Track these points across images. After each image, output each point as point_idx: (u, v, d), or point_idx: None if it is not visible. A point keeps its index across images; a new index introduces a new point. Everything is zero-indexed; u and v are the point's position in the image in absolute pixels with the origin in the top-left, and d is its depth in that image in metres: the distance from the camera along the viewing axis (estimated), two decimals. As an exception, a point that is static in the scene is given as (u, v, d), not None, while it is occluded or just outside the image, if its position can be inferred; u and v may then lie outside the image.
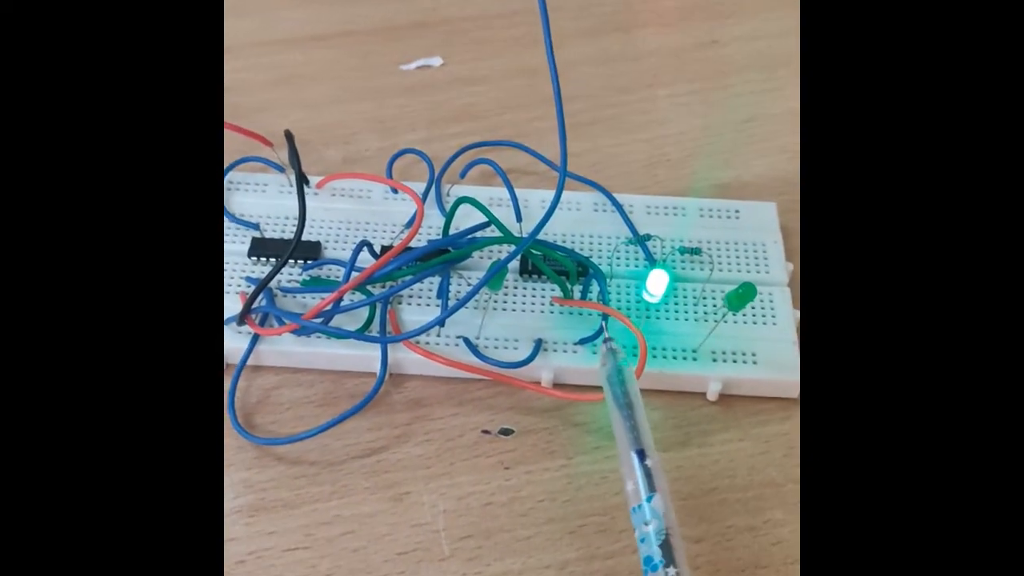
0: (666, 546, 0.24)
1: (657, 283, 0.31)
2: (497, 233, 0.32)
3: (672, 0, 0.48)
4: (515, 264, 0.34)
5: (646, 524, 0.25)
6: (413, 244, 0.34)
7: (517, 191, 0.36)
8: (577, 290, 0.33)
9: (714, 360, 0.31)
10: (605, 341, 0.30)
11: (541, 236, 0.35)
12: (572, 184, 0.38)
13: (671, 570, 0.24)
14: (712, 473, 0.30)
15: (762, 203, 0.36)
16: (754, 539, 0.28)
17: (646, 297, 0.31)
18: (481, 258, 0.34)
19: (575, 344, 0.32)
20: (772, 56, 0.44)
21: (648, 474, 0.25)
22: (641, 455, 0.26)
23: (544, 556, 0.28)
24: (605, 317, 0.31)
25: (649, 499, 0.25)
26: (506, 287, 0.33)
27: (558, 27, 0.46)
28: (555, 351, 0.32)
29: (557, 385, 0.32)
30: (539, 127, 0.41)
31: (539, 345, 0.31)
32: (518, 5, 0.47)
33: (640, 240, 0.34)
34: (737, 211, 0.36)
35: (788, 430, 0.31)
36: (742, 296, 0.29)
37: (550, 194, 0.36)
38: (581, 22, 0.46)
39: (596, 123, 0.41)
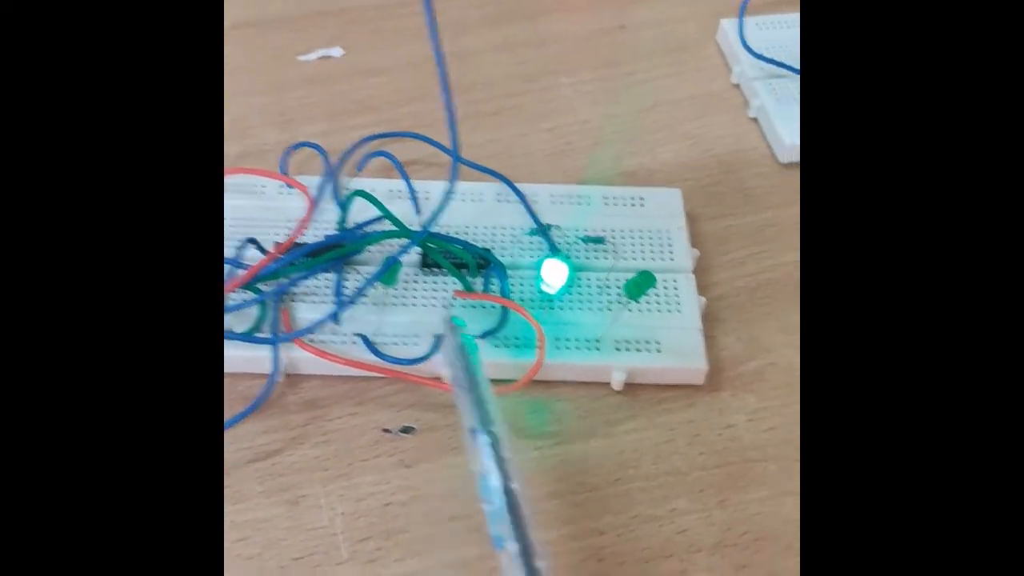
0: (509, 522, 0.23)
1: (553, 274, 0.30)
2: (392, 227, 0.32)
3: (578, -13, 0.47)
4: (416, 258, 0.33)
5: (488, 503, 0.24)
6: (311, 240, 0.33)
7: (419, 183, 0.36)
8: (480, 283, 0.32)
9: (618, 349, 0.31)
10: (448, 322, 0.28)
11: (443, 229, 0.34)
12: (475, 175, 0.37)
13: (514, 545, 0.23)
14: (617, 463, 0.30)
15: (667, 189, 0.36)
16: (659, 528, 0.28)
17: (544, 288, 0.31)
18: (379, 253, 0.33)
19: (477, 338, 0.31)
20: (677, 40, 0.44)
21: (484, 451, 0.24)
22: (474, 432, 0.25)
23: (445, 554, 0.27)
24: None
25: (486, 477, 0.24)
26: (406, 282, 0.32)
27: (463, 15, 0.46)
28: (456, 345, 0.31)
29: (460, 380, 0.31)
30: (443, 117, 0.39)
31: (439, 340, 0.31)
32: (414, -6, 0.46)
33: (542, 230, 0.34)
34: (642, 198, 0.36)
35: (693, 417, 0.31)
36: (640, 284, 0.29)
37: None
38: (486, 9, 0.45)
39: (500, 112, 0.41)
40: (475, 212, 0.35)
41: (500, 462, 0.24)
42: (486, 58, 0.43)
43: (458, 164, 0.35)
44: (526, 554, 0.22)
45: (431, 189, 0.36)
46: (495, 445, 0.24)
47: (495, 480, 0.23)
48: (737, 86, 0.42)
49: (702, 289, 0.34)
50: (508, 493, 0.23)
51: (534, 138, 0.40)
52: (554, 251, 0.33)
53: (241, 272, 0.30)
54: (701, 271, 0.34)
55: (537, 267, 0.31)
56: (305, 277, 0.31)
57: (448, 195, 0.29)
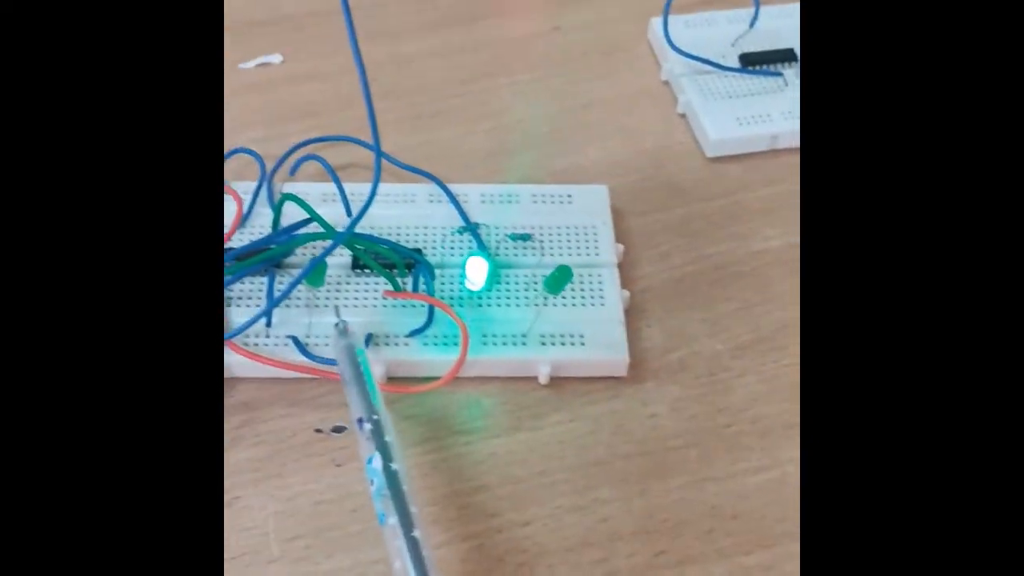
0: (389, 498, 0.26)
1: (476, 271, 0.31)
2: (320, 229, 0.32)
3: (516, -11, 0.48)
4: (348, 260, 0.34)
5: (372, 484, 0.26)
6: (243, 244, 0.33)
7: (354, 185, 0.36)
8: (410, 282, 0.33)
9: (543, 344, 0.32)
10: (337, 324, 0.31)
11: (374, 229, 0.35)
12: (408, 176, 0.38)
13: (392, 519, 0.25)
14: (542, 456, 0.31)
15: (593, 186, 0.37)
16: (582, 518, 0.29)
17: (468, 285, 0.32)
18: (310, 255, 0.34)
19: (406, 337, 0.32)
20: (610, 41, 0.45)
21: (368, 437, 0.27)
22: (360, 422, 0.27)
23: (374, 551, 0.28)
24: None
25: (370, 460, 0.26)
26: (337, 283, 0.33)
27: (400, 21, 0.47)
28: (387, 345, 0.32)
29: (391, 379, 0.32)
30: (379, 120, 0.40)
31: (368, 339, 0.31)
32: (355, 1, 0.46)
33: (470, 229, 0.35)
34: (570, 195, 0.37)
35: (616, 409, 0.32)
36: (558, 279, 0.30)
37: (383, 187, 0.36)
38: (423, 15, 0.46)
39: (437, 115, 0.41)
40: (406, 212, 0.36)
41: (383, 446, 0.27)
42: (425, 63, 0.44)
43: (383, 164, 0.36)
44: (405, 525, 0.25)
45: (364, 191, 0.36)
46: (377, 431, 0.27)
47: (377, 462, 0.26)
48: (667, 83, 0.42)
49: (628, 283, 0.35)
50: (388, 472, 0.26)
51: (470, 139, 0.40)
52: (481, 249, 0.34)
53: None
54: (628, 265, 0.35)
55: (462, 265, 0.32)
56: (235, 280, 0.31)
57: (371, 195, 0.30)
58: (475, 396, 0.32)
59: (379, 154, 0.29)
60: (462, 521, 0.29)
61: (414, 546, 0.25)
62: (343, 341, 0.30)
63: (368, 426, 0.27)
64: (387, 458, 0.26)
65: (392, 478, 0.26)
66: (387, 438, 0.27)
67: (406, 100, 0.42)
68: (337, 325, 0.30)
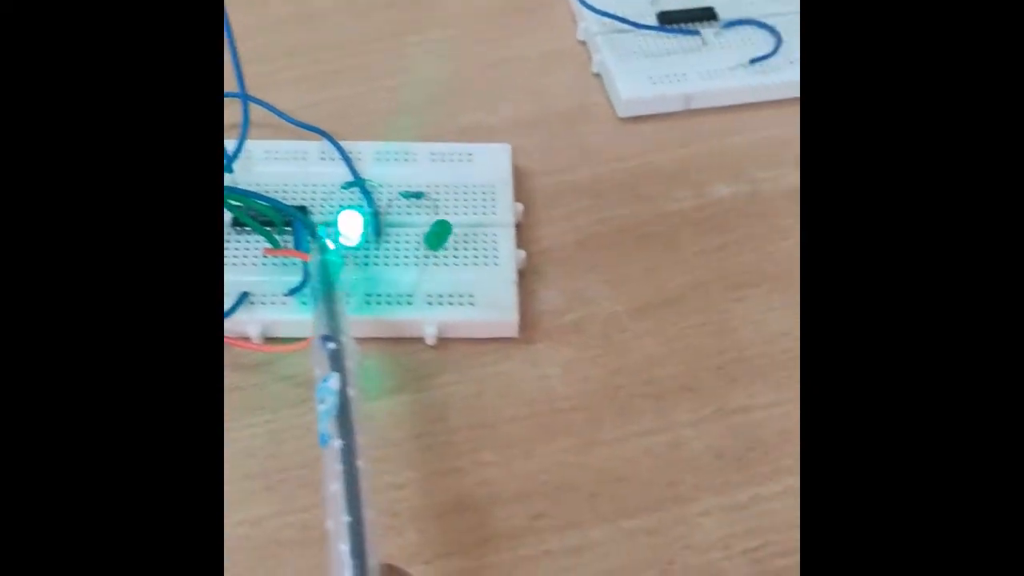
0: (339, 421, 0.24)
1: (349, 225, 0.29)
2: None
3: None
4: (229, 218, 0.32)
5: (322, 403, 0.24)
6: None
7: (248, 143, 0.35)
8: (291, 240, 0.32)
9: (430, 304, 0.30)
10: (318, 240, 0.30)
11: (260, 186, 0.33)
12: (303, 133, 0.36)
13: (337, 442, 0.23)
14: (425, 419, 0.29)
15: (496, 145, 0.35)
16: (459, 481, 0.28)
17: (343, 241, 0.30)
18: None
19: (284, 295, 0.30)
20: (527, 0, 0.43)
21: (331, 356, 0.25)
22: (325, 339, 0.26)
23: (237, 513, 0.27)
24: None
25: (326, 380, 0.25)
26: (217, 241, 0.32)
27: (311, -24, 0.45)
28: (264, 304, 0.30)
29: (268, 339, 0.30)
30: (281, 78, 0.39)
31: (243, 298, 0.30)
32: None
33: (356, 183, 0.33)
34: (470, 154, 0.35)
35: (506, 370, 0.30)
36: (438, 234, 0.29)
37: (274, 144, 0.35)
38: (336, -29, 0.45)
39: (341, 71, 0.40)
40: (296, 170, 0.34)
41: (342, 368, 0.25)
42: (333, 19, 0.42)
43: (279, 122, 0.35)
44: (349, 451, 0.23)
45: (254, 148, 0.35)
46: (339, 352, 0.26)
47: (334, 382, 0.25)
48: (583, 43, 0.41)
49: (528, 243, 0.33)
50: (343, 395, 0.24)
51: (373, 96, 0.39)
52: (370, 205, 0.32)
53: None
54: (529, 226, 0.34)
55: (335, 222, 0.30)
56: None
57: (237, 148, 0.28)
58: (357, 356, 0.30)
59: (246, 100, 0.27)
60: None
61: (355, 474, 0.23)
62: (319, 256, 0.29)
63: (332, 345, 0.26)
64: (344, 382, 0.25)
65: (345, 402, 0.24)
66: (349, 363, 0.26)
67: (310, 57, 0.40)
68: (318, 238, 0.29)
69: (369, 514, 0.22)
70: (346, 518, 0.22)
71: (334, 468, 0.23)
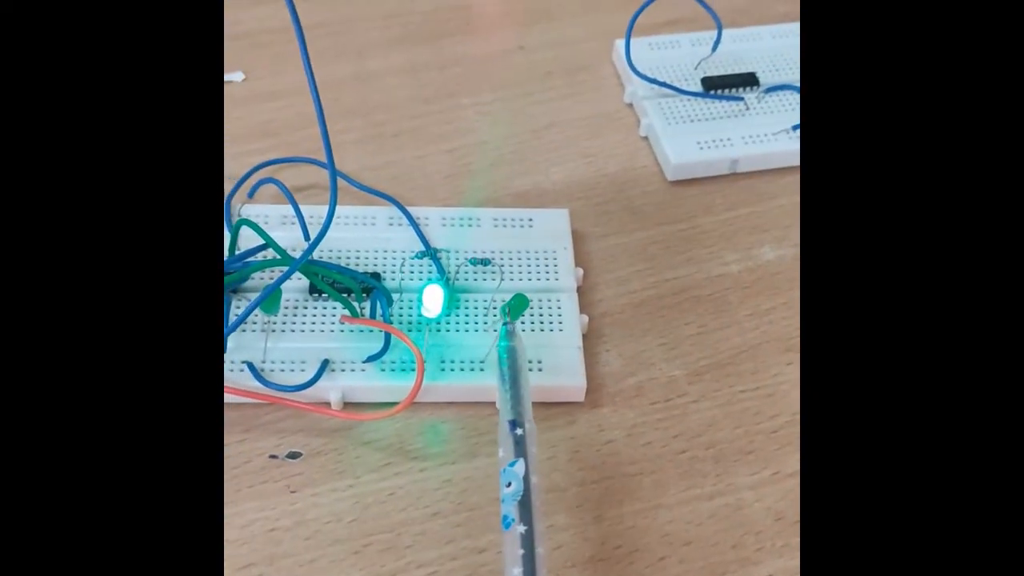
0: (523, 507, 0.26)
1: (431, 298, 0.31)
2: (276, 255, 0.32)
3: (482, 7, 0.48)
4: (306, 284, 0.34)
5: (508, 486, 0.26)
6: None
7: (314, 207, 0.36)
8: (368, 308, 0.33)
9: (501, 370, 0.32)
10: (505, 324, 0.31)
11: (332, 254, 0.35)
12: (369, 198, 0.38)
13: (520, 527, 0.26)
14: (498, 482, 0.30)
15: (554, 210, 0.37)
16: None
17: (425, 313, 0.32)
18: (267, 280, 0.34)
19: (363, 362, 0.32)
20: (575, 61, 0.45)
21: (517, 442, 0.27)
22: (513, 424, 0.28)
23: (326, 579, 0.28)
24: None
25: (512, 464, 0.27)
26: (295, 308, 0.33)
27: (365, 38, 0.47)
28: (343, 371, 0.32)
29: (348, 405, 0.32)
30: (341, 140, 0.41)
31: (325, 365, 0.31)
32: (321, 17, 0.46)
33: (430, 253, 0.35)
34: (530, 219, 0.37)
35: (573, 434, 0.32)
36: (515, 307, 0.30)
37: (343, 210, 0.36)
38: (388, 32, 0.46)
39: (400, 135, 0.41)
40: (366, 235, 0.36)
41: (526, 455, 0.27)
42: (389, 80, 0.44)
43: (344, 185, 0.36)
44: (529, 537, 0.25)
45: (323, 213, 0.36)
46: (525, 438, 0.28)
47: (520, 467, 0.27)
48: (630, 105, 0.43)
49: (586, 307, 0.35)
50: (527, 481, 0.27)
51: (432, 159, 0.40)
52: (440, 274, 0.34)
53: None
54: (587, 290, 0.36)
55: (419, 292, 0.32)
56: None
57: (327, 220, 0.29)
58: (433, 422, 0.32)
59: (335, 175, 0.29)
60: (416, 548, 0.29)
61: (534, 559, 0.25)
62: (508, 343, 0.31)
63: (519, 431, 0.28)
64: (529, 467, 0.27)
65: (529, 488, 0.26)
66: (532, 449, 0.27)
67: (368, 119, 0.42)
68: (505, 325, 0.31)
69: None
70: None
71: (516, 552, 0.25)
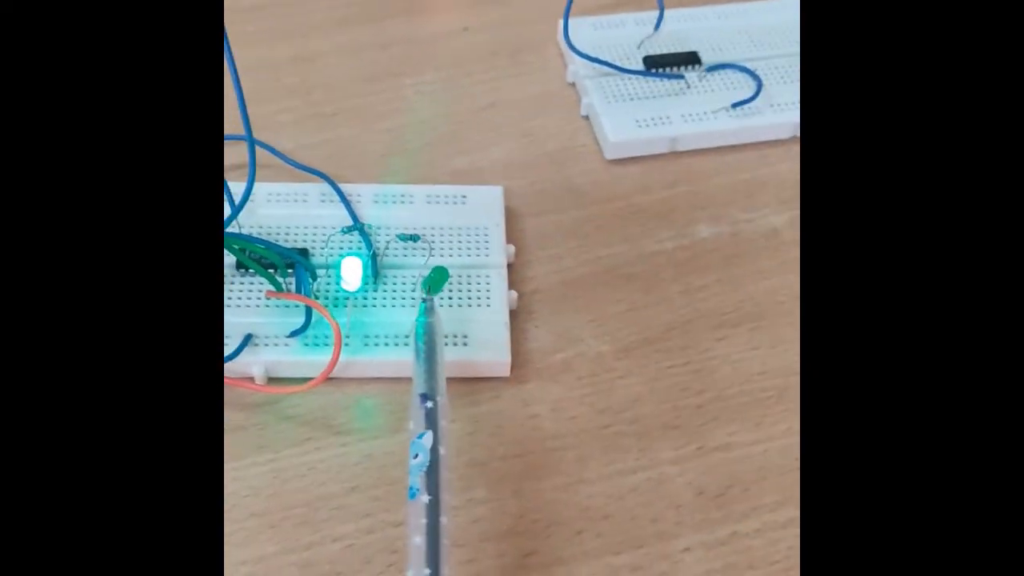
0: (428, 477, 0.26)
1: (350, 271, 0.31)
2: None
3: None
4: (232, 260, 0.33)
5: (415, 457, 0.27)
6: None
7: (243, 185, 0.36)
8: (294, 283, 0.33)
9: (425, 345, 0.32)
10: (424, 300, 0.31)
11: (263, 229, 0.34)
12: (303, 176, 0.37)
13: (425, 497, 0.26)
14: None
15: (488, 187, 0.37)
16: (453, 518, 0.29)
17: (344, 285, 0.32)
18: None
19: (287, 337, 0.32)
20: (520, 41, 0.45)
21: (427, 415, 0.28)
22: (424, 398, 0.28)
23: (241, 552, 0.28)
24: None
25: (420, 436, 0.27)
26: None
27: (309, 19, 0.47)
28: (267, 345, 0.32)
29: (272, 380, 0.32)
30: (279, 120, 0.41)
31: (247, 340, 0.31)
32: (257, 1, 0.46)
33: (355, 228, 0.34)
34: (464, 196, 0.36)
35: (498, 409, 0.32)
36: (436, 280, 0.30)
37: (276, 187, 0.36)
38: (333, 12, 0.46)
39: (338, 114, 0.41)
40: (297, 212, 0.35)
41: (437, 428, 0.27)
42: (330, 60, 0.44)
43: (280, 164, 0.36)
44: (435, 507, 0.26)
45: (257, 190, 0.36)
46: (436, 411, 0.28)
47: (428, 439, 0.27)
48: (572, 85, 0.43)
49: (518, 284, 0.35)
50: (435, 453, 0.27)
51: (370, 138, 0.40)
52: (369, 249, 0.34)
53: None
54: (519, 267, 0.36)
55: (336, 265, 0.32)
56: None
57: (245, 195, 0.29)
58: (356, 397, 0.32)
59: (253, 145, 0.29)
60: (332, 522, 0.29)
61: (439, 529, 0.25)
62: (424, 319, 0.31)
63: (429, 404, 0.28)
64: (437, 440, 0.27)
65: (437, 460, 0.26)
66: (443, 422, 0.28)
67: (307, 99, 0.42)
68: (425, 301, 0.31)
69: (446, 570, 0.24)
70: (426, 570, 0.24)
71: (419, 522, 0.25)
